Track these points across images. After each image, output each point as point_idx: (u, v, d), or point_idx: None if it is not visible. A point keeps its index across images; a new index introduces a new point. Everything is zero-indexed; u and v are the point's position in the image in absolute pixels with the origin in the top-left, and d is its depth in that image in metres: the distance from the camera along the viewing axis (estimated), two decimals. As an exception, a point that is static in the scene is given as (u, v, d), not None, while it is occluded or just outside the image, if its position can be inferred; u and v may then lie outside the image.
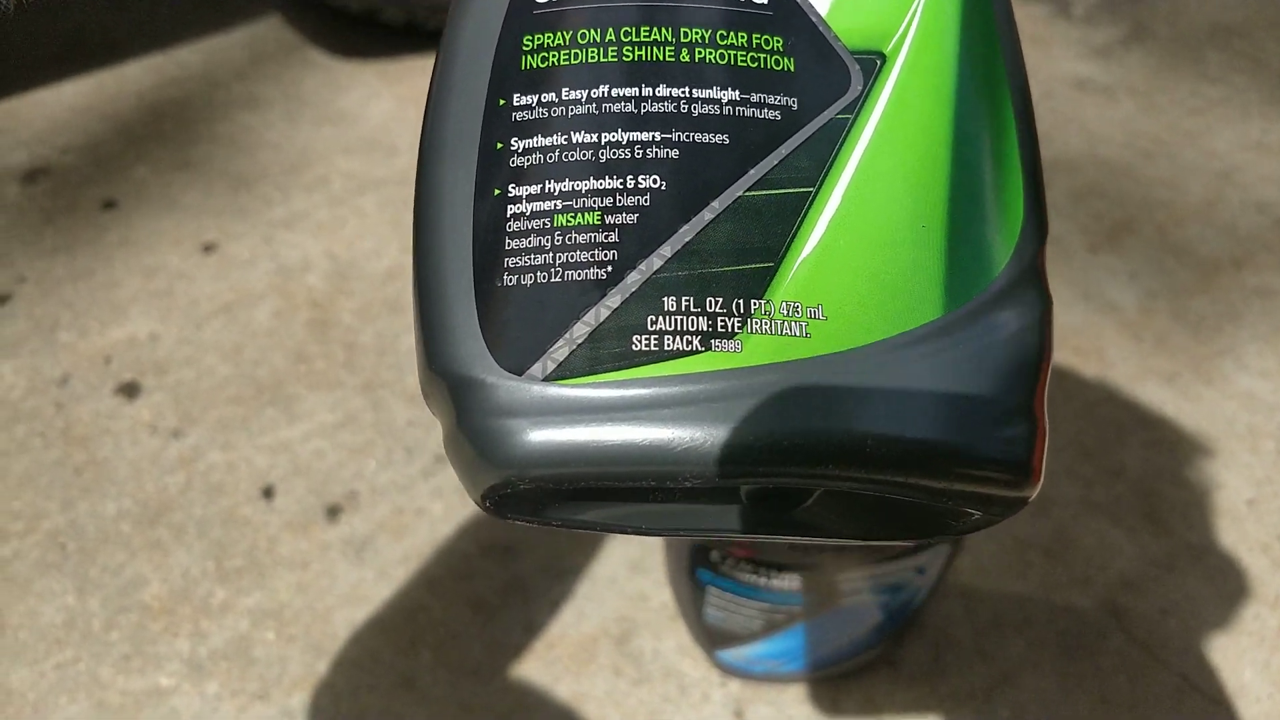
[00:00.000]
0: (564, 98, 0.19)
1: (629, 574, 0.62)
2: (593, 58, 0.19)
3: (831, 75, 0.20)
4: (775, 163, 0.20)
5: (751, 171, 0.19)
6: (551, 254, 0.18)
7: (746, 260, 0.18)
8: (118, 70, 1.00)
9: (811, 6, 0.21)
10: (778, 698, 0.57)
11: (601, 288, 0.18)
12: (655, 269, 0.18)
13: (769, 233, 0.19)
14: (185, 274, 0.80)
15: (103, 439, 0.68)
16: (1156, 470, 0.68)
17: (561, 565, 0.62)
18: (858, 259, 0.19)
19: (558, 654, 0.58)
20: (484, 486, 0.16)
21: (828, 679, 0.57)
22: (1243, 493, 0.67)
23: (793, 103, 0.20)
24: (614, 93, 0.19)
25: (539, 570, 0.62)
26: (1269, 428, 0.70)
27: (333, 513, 0.64)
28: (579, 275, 0.18)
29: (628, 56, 0.19)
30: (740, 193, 0.19)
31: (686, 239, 0.18)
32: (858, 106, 0.20)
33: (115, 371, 0.72)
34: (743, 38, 0.20)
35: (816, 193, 0.19)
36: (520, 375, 0.17)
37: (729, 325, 0.18)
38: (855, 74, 0.21)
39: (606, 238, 0.18)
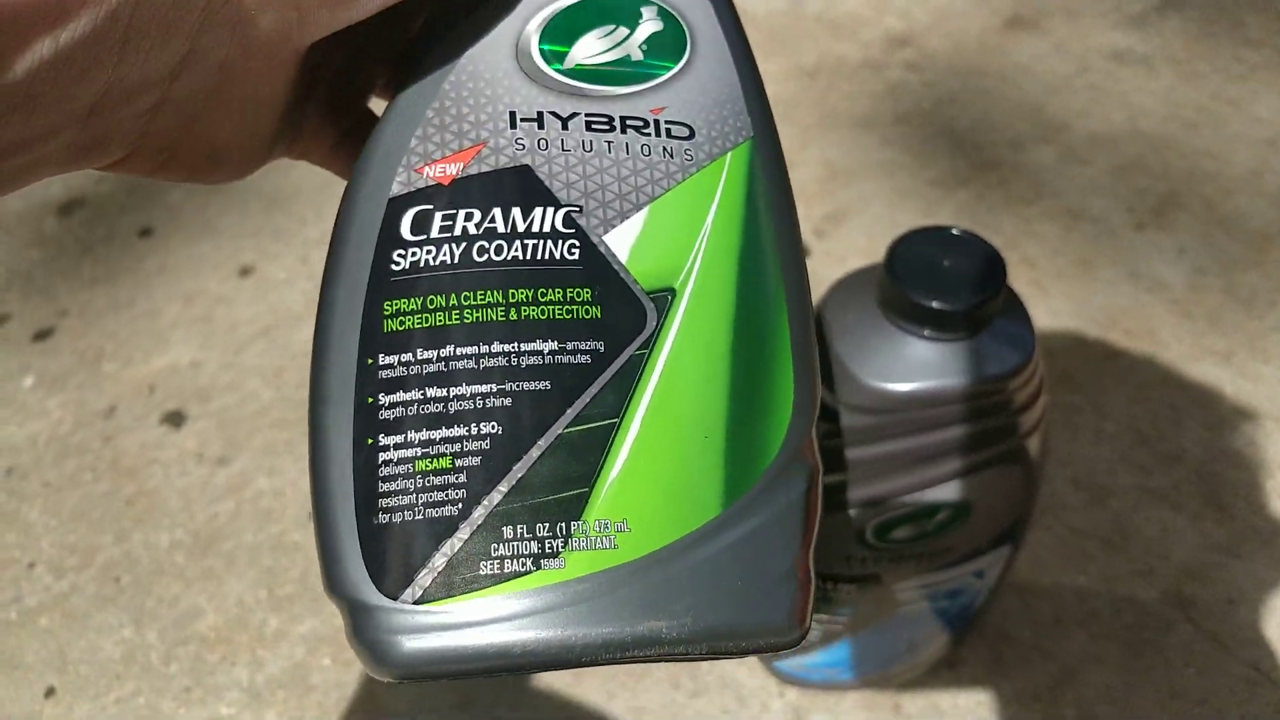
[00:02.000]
0: (418, 357, 0.23)
1: (680, 583, 0.62)
2: (439, 321, 0.23)
3: (631, 315, 0.24)
4: (587, 400, 0.23)
5: (569, 411, 0.23)
6: (414, 495, 0.22)
7: (566, 489, 0.22)
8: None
9: (614, 255, 0.24)
10: (837, 705, 0.56)
11: (454, 523, 0.22)
12: (495, 503, 0.22)
13: (583, 463, 0.22)
14: (224, 298, 0.80)
15: (151, 469, 0.69)
16: (1216, 453, 0.66)
17: (612, 577, 0.62)
18: (653, 476, 0.22)
19: (615, 669, 0.58)
20: (382, 680, 0.21)
21: (888, 685, 0.56)
22: (1308, 473, 0.65)
23: (600, 345, 0.23)
24: (458, 351, 0.23)
25: (590, 583, 0.62)
26: (1332, 404, 0.68)
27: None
28: (436, 513, 0.22)
29: (468, 319, 0.23)
30: (560, 430, 0.23)
31: (519, 475, 0.22)
32: (652, 341, 0.24)
33: (160, 401, 0.73)
34: (558, 293, 0.24)
35: (620, 423, 0.23)
36: (396, 599, 0.21)
37: (554, 546, 0.22)
38: (650, 311, 0.24)
39: (457, 479, 0.22)
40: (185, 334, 0.78)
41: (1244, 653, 0.57)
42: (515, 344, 0.23)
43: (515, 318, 0.23)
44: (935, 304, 0.37)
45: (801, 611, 0.23)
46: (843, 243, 0.81)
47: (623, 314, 0.24)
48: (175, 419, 0.72)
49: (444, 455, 0.22)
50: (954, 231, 0.39)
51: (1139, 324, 0.74)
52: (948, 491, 0.42)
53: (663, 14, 0.27)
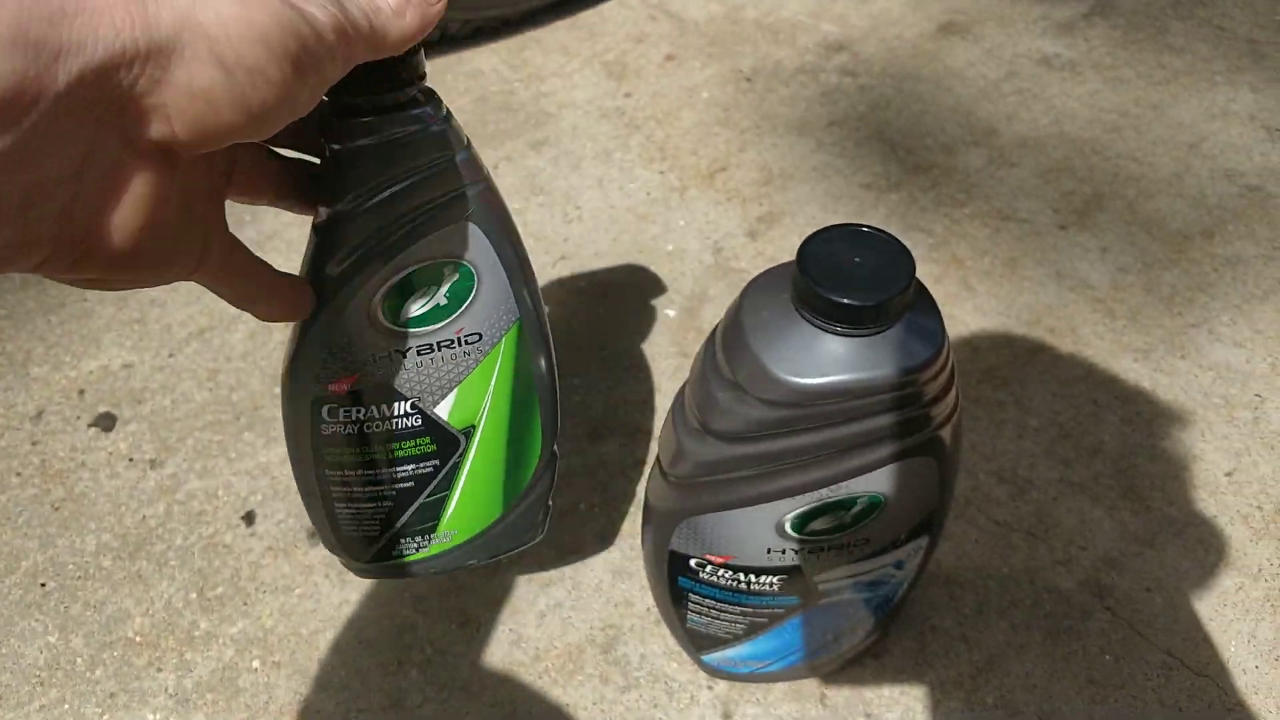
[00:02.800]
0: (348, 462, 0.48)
1: (614, 580, 0.62)
2: (354, 459, 0.47)
3: (452, 443, 0.45)
4: (432, 487, 0.47)
5: (425, 491, 0.47)
6: (357, 512, 0.49)
7: (427, 522, 0.48)
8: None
9: (440, 416, 0.44)
10: (765, 697, 0.57)
11: (379, 532, 0.48)
12: (397, 526, 0.49)
13: (434, 511, 0.48)
14: (158, 301, 0.79)
15: (80, 473, 0.68)
16: (1134, 446, 0.68)
17: (546, 576, 0.62)
18: (468, 511, 0.48)
19: (545, 665, 0.58)
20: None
21: (814, 675, 0.57)
22: (1220, 465, 0.67)
23: (437, 462, 0.46)
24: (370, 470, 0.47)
25: (525, 582, 0.62)
26: (1244, 398, 0.70)
27: (315, 535, 0.64)
28: (370, 525, 0.49)
29: (364, 457, 0.47)
30: (423, 499, 0.47)
31: (405, 517, 0.48)
32: (464, 453, 0.46)
33: (90, 403, 0.72)
34: (412, 443, 0.45)
35: (449, 493, 0.47)
36: (358, 561, 0.51)
37: (425, 542, 0.49)
38: (462, 440, 0.45)
39: (378, 511, 0.48)
40: (118, 336, 0.77)
41: (1160, 639, 0.59)
42: (396, 466, 0.45)
43: (396, 455, 0.45)
44: (845, 300, 0.38)
45: (537, 530, 0.52)
46: (775, 244, 0.82)
47: (447, 444, 0.45)
48: (106, 421, 0.71)
49: (373, 501, 0.46)
50: (864, 229, 0.40)
51: (1063, 322, 0.76)
52: (863, 484, 0.43)
53: (460, 268, 0.41)
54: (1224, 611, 0.60)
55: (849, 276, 0.39)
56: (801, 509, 0.43)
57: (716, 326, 0.44)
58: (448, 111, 0.40)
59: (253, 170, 0.35)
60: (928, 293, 0.42)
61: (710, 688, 0.57)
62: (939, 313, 0.42)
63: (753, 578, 0.48)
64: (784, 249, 0.81)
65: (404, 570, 0.49)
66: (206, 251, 0.30)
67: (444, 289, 0.40)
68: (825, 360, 0.39)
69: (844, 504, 0.43)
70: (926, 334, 0.40)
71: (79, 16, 0.20)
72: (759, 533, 0.45)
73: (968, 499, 0.65)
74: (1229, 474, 0.66)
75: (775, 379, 0.40)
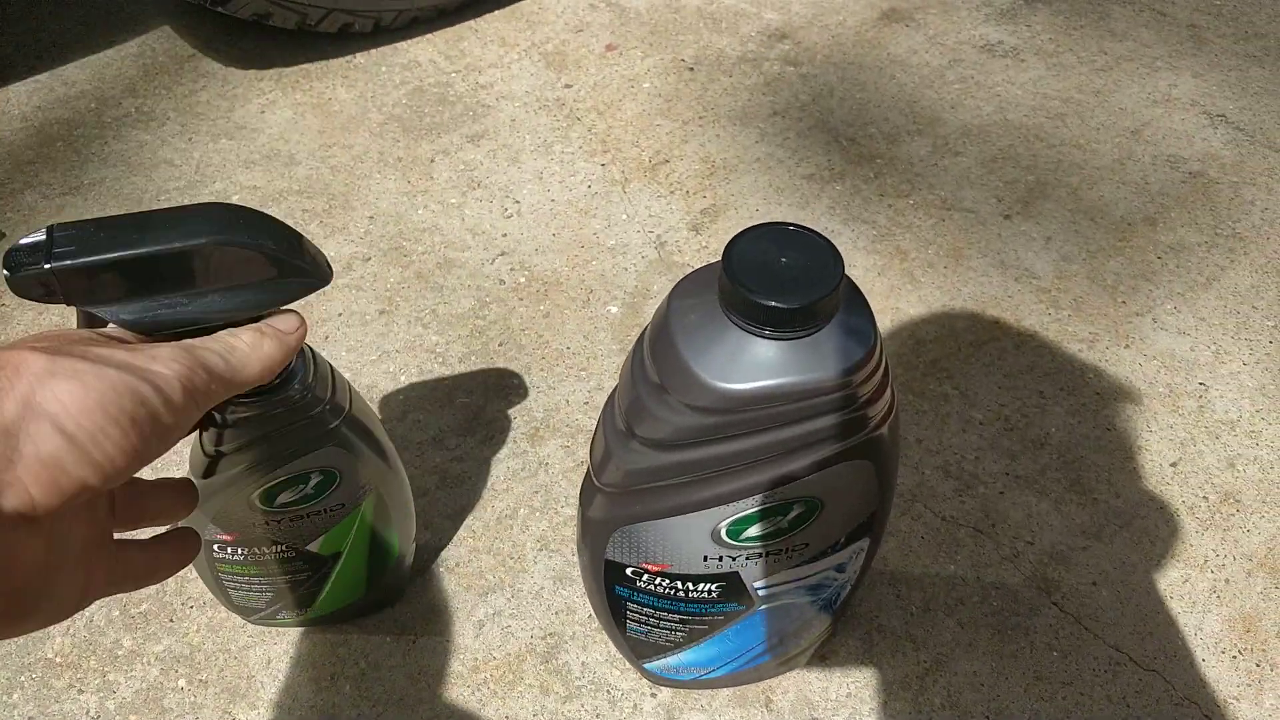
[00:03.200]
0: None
1: (554, 586, 0.61)
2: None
3: (321, 563, 0.54)
4: (308, 584, 0.55)
5: (303, 587, 0.56)
6: (240, 588, 0.56)
7: (305, 603, 0.57)
8: (1, 92, 0.96)
9: (310, 550, 0.52)
10: (710, 703, 0.56)
11: (257, 608, 0.58)
12: (274, 610, 0.58)
13: (311, 596, 0.56)
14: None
15: None
16: (1080, 438, 0.67)
17: (485, 583, 0.61)
18: (332, 596, 0.57)
19: (484, 676, 0.57)
20: None
21: (759, 680, 0.56)
22: (1166, 455, 0.67)
23: (310, 573, 0.54)
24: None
25: (462, 589, 0.60)
26: (1189, 387, 0.70)
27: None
28: (253, 600, 0.57)
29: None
30: (299, 593, 0.56)
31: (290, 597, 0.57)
32: (331, 566, 0.54)
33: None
34: (286, 567, 0.53)
35: (320, 588, 0.56)
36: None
37: (301, 613, 0.58)
38: (331, 560, 0.54)
39: (264, 594, 0.56)
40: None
41: (1107, 634, 0.58)
42: (276, 577, 0.54)
43: (275, 571, 0.53)
44: (773, 303, 0.36)
45: (398, 596, 0.61)
46: (718, 238, 0.80)
47: (318, 564, 0.53)
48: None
49: (258, 591, 0.55)
50: (790, 227, 0.39)
51: (1008, 312, 0.75)
52: (800, 489, 0.41)
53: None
54: (1171, 604, 0.60)
55: (777, 278, 0.37)
56: (737, 515, 0.42)
57: (644, 330, 0.42)
58: (314, 361, 0.46)
59: (132, 499, 0.36)
60: (859, 291, 0.41)
61: (654, 695, 0.56)
62: (870, 311, 0.40)
63: (690, 585, 0.46)
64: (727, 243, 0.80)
65: (282, 626, 0.59)
66: (89, 586, 0.31)
67: (311, 485, 0.49)
68: (754, 365, 0.38)
69: (780, 509, 0.42)
70: (858, 334, 0.39)
71: None
72: (694, 540, 0.43)
73: (913, 494, 0.64)
74: (1174, 464, 0.66)
75: (704, 385, 0.38)
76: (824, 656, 0.57)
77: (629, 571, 0.47)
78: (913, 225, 0.82)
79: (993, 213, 0.83)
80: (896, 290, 0.77)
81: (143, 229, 0.36)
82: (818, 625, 0.52)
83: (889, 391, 0.42)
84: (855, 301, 0.40)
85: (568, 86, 0.96)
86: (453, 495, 0.65)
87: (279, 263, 0.36)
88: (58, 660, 0.57)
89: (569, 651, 0.58)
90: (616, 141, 0.90)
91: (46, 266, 0.34)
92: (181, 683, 0.56)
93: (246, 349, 0.34)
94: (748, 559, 0.44)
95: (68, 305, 0.37)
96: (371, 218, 0.83)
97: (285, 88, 0.95)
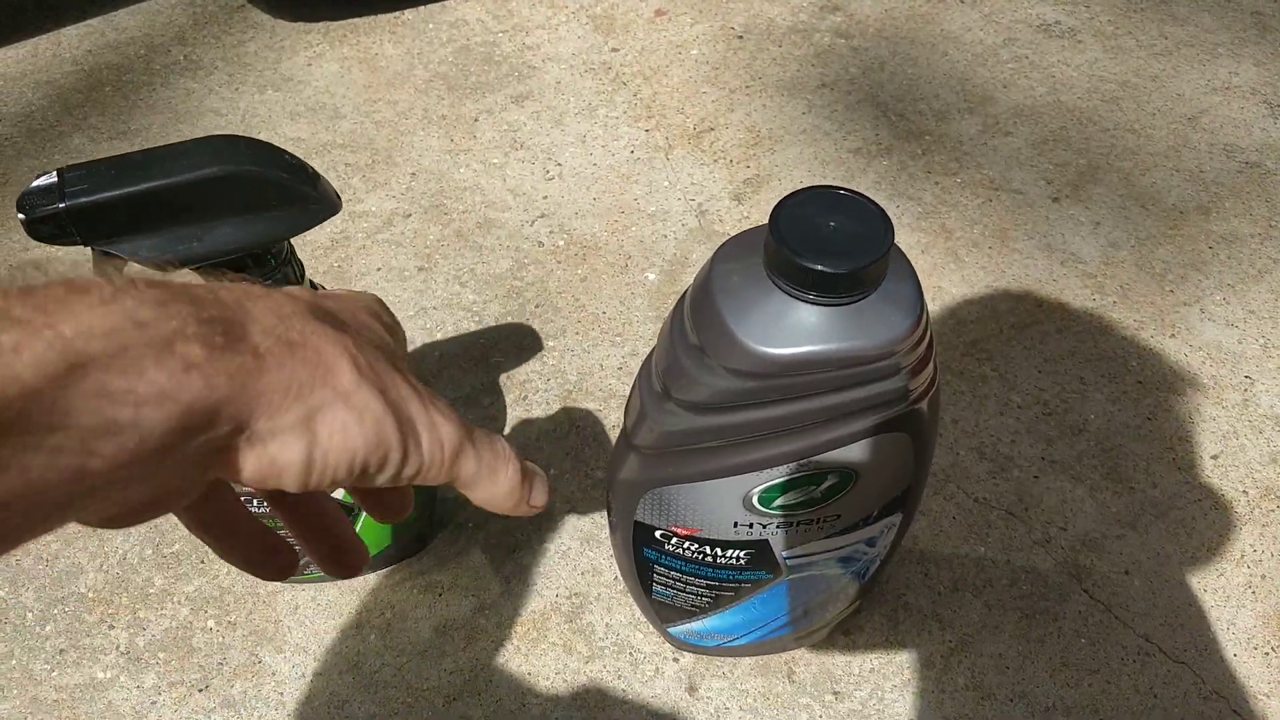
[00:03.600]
0: None
1: (581, 547, 0.61)
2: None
3: (348, 509, 0.48)
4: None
5: None
6: None
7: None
8: (53, 36, 0.96)
9: (334, 497, 0.47)
10: (731, 671, 0.55)
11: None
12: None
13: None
14: (122, 248, 0.77)
15: (36, 423, 0.66)
16: (1120, 426, 0.66)
17: (513, 541, 0.61)
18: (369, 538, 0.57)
19: (508, 632, 0.57)
20: None
21: (782, 651, 0.56)
22: (1207, 447, 0.65)
23: None
24: None
25: (490, 547, 0.61)
26: (1234, 380, 0.69)
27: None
28: None
29: None
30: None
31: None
32: (356, 513, 0.53)
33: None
34: None
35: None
36: None
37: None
38: (352, 509, 0.51)
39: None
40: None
41: (1137, 624, 0.58)
42: None
43: None
44: (820, 266, 0.36)
45: (421, 547, 0.61)
46: (760, 209, 0.80)
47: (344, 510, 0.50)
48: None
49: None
50: (840, 191, 0.38)
51: (1051, 296, 0.74)
52: (835, 458, 0.41)
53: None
54: (1204, 598, 0.59)
55: (824, 242, 0.37)
56: (770, 483, 0.42)
57: (685, 292, 0.42)
58: None
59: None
60: (906, 260, 0.40)
61: (676, 660, 0.56)
62: (918, 281, 0.40)
63: (719, 551, 0.46)
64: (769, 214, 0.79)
65: (309, 580, 0.60)
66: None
67: None
68: (797, 330, 0.37)
69: (814, 479, 0.42)
70: (905, 303, 0.38)
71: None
72: (726, 506, 0.43)
73: (947, 475, 0.64)
74: (1215, 457, 0.65)
75: (745, 348, 0.38)
76: (848, 631, 0.57)
77: (658, 534, 0.46)
78: (959, 204, 0.80)
79: (1041, 195, 0.81)
80: (939, 268, 0.75)
81: (151, 164, 0.36)
82: (844, 599, 0.52)
83: (931, 364, 0.41)
84: (903, 270, 0.39)
85: (614, 50, 0.95)
86: (484, 453, 0.65)
87: (285, 189, 0.37)
88: (90, 595, 0.58)
89: (593, 612, 0.58)
90: (661, 108, 0.89)
91: (61, 206, 0.35)
92: (210, 623, 0.57)
93: (501, 487, 0.31)
94: (778, 527, 0.44)
95: (84, 245, 0.37)
96: (413, 174, 0.83)
97: (332, 41, 0.95)
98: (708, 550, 0.46)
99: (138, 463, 0.23)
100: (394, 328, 0.32)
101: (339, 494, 0.53)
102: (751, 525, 0.44)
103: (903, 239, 0.77)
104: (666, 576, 0.49)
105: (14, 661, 0.56)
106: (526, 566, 0.60)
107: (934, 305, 0.73)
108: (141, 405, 0.22)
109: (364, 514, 0.55)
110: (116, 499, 0.24)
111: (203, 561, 0.60)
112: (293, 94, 0.90)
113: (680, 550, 0.47)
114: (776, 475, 0.41)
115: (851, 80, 0.92)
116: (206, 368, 0.23)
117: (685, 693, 0.55)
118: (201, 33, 0.97)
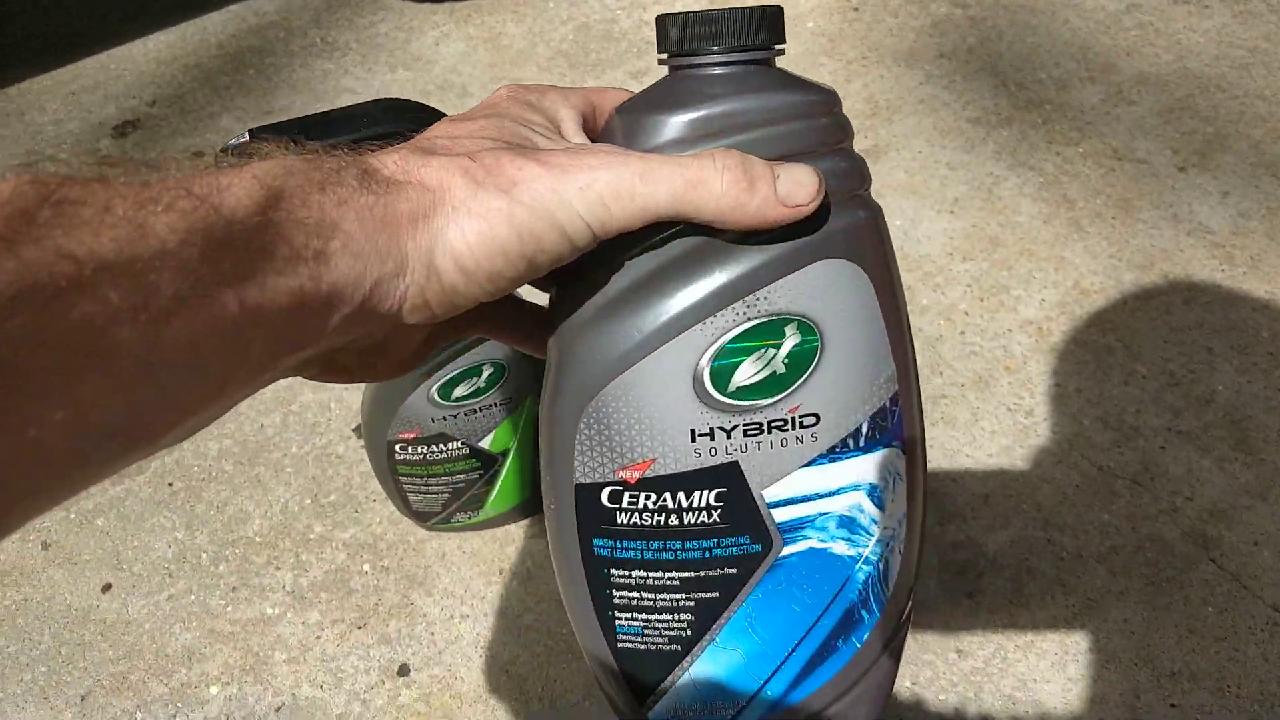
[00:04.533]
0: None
1: (709, 507, 0.63)
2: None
3: (492, 461, 0.59)
4: (480, 483, 0.60)
5: (475, 486, 0.60)
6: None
7: (476, 504, 0.62)
8: (198, 21, 1.02)
9: (482, 447, 0.58)
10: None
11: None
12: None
13: (481, 496, 0.62)
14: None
15: (201, 382, 0.71)
16: (1250, 397, 0.66)
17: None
18: (500, 498, 0.61)
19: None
20: None
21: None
22: (1340, 419, 0.65)
23: (482, 471, 0.59)
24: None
25: (621, 504, 0.64)
26: (1370, 351, 0.68)
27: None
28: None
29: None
30: (472, 492, 0.62)
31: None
32: (500, 465, 0.59)
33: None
34: (461, 465, 0.59)
35: (490, 487, 0.60)
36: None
37: (473, 514, 0.62)
38: (500, 457, 0.59)
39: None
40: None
41: (1267, 594, 0.58)
42: (453, 476, 0.59)
43: (452, 470, 0.58)
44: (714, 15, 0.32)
45: None
46: (880, 179, 0.81)
47: (488, 462, 0.59)
48: (224, 335, 0.74)
49: (435, 493, 0.60)
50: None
51: (1178, 267, 0.74)
52: (786, 292, 0.34)
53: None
54: (1334, 567, 0.59)
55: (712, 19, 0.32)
56: (718, 343, 0.34)
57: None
58: None
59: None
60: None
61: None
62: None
63: (682, 496, 0.36)
64: (890, 184, 0.80)
65: (454, 529, 0.63)
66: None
67: (483, 377, 0.55)
68: (705, 96, 0.33)
69: (769, 331, 0.34)
70: (811, 83, 0.34)
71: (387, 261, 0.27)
72: (676, 398, 0.35)
73: (1070, 442, 0.64)
74: (1348, 428, 0.64)
75: (656, 120, 0.32)
76: (971, 594, 0.59)
77: (605, 496, 0.36)
78: (1081, 174, 0.80)
79: (1167, 164, 0.80)
80: (1062, 239, 0.76)
81: (331, 122, 0.41)
82: (867, 626, 0.38)
83: (867, 184, 0.34)
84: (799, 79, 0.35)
85: (733, 25, 0.96)
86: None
87: None
88: (257, 539, 0.63)
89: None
90: (780, 81, 0.90)
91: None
92: (366, 567, 0.61)
93: (716, 195, 0.29)
94: (745, 436, 0.35)
95: None
96: (540, 148, 0.86)
97: (458, 21, 0.99)
98: (668, 501, 0.36)
99: (334, 294, 0.26)
100: (535, 104, 0.32)
101: (487, 443, 0.57)
102: (712, 434, 0.35)
103: (1023, 209, 0.78)
104: (627, 587, 0.37)
105: (192, 597, 0.61)
106: (657, 523, 0.63)
107: (1056, 275, 0.73)
108: (321, 236, 0.26)
109: (506, 470, 0.58)
110: (323, 335, 0.27)
111: (356, 511, 0.64)
112: (422, 73, 0.94)
113: (638, 520, 0.36)
114: (724, 326, 0.34)
115: (970, 50, 0.92)
116: (353, 204, 0.26)
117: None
118: (335, 16, 1.01)
